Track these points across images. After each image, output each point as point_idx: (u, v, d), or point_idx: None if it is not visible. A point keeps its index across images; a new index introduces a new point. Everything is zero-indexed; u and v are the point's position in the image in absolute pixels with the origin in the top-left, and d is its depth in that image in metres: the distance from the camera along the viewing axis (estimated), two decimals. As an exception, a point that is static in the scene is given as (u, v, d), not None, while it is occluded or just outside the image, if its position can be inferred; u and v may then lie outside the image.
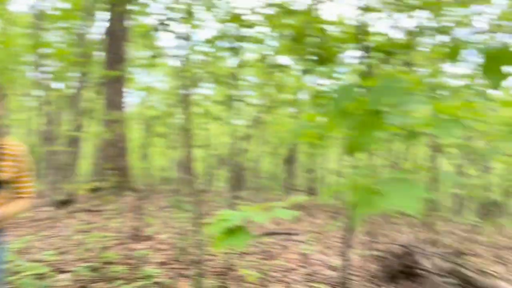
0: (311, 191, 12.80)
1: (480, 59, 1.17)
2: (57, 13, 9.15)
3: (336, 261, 4.41)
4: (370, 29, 3.58)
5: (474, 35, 4.28)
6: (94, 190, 8.91)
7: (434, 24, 3.94)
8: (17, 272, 3.46)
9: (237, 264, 4.06)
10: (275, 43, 5.03)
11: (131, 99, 16.45)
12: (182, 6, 3.82)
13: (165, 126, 9.26)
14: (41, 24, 8.07)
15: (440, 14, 3.93)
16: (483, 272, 4.58)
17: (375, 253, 4.46)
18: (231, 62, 6.28)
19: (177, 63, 4.11)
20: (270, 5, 3.91)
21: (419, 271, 3.96)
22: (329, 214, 8.30)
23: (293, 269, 4.13)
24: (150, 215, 6.38)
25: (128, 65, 10.26)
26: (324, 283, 3.82)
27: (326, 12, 22.40)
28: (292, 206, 1.51)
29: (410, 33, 3.93)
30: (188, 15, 3.81)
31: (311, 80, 7.07)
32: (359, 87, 1.33)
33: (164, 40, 13.17)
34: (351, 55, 3.65)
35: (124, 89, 9.86)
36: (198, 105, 8.77)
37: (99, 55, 9.88)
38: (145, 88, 12.75)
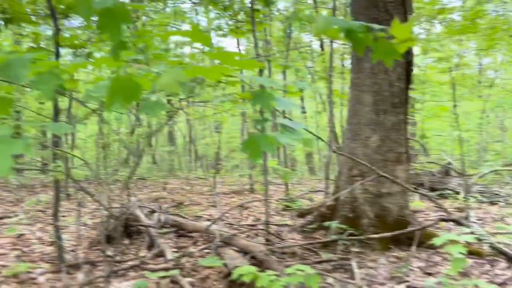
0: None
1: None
2: None
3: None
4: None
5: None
6: None
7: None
8: None
9: None
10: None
11: None
12: None
13: None
14: None
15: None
16: (198, 217, 5.34)
17: (98, 220, 4.52)
18: None
19: None
20: None
21: (139, 228, 4.27)
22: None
23: (4, 254, 3.74)
24: None
25: None
26: (43, 261, 3.64)
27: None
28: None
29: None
30: None
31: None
32: None
33: None
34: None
35: None
36: None
37: None
38: None
